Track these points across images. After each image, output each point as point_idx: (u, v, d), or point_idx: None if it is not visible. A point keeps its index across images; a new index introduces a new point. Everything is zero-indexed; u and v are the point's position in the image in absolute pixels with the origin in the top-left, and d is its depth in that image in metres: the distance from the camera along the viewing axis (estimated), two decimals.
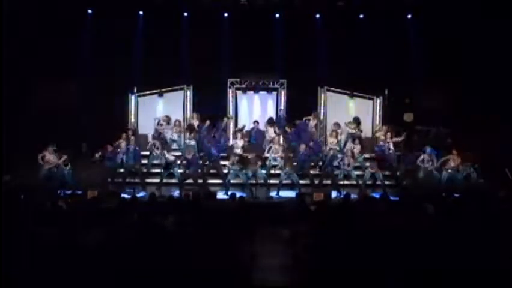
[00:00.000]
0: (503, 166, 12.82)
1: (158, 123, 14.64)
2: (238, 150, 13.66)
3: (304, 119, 14.74)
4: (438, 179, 12.89)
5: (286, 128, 14.37)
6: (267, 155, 13.51)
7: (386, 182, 13.15)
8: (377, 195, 11.18)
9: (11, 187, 10.93)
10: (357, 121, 14.76)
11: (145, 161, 13.63)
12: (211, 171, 13.52)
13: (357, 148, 13.61)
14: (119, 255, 5.58)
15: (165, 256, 5.54)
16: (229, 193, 10.68)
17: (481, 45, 14.55)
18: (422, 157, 13.13)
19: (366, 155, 13.78)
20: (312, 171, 13.49)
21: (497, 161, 12.83)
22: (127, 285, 5.31)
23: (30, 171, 12.42)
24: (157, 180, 13.10)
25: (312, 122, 14.76)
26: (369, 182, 13.07)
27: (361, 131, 14.68)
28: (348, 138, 14.25)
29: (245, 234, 6.41)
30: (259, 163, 12.84)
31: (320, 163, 13.69)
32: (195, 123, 14.53)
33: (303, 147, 13.24)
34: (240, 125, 15.10)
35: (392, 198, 9.54)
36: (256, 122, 14.92)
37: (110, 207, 8.12)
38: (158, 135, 14.27)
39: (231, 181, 12.86)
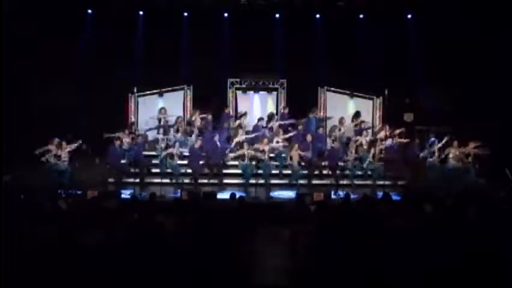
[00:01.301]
0: (503, 166, 12.81)
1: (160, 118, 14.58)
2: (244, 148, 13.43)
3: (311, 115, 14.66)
4: (439, 174, 12.81)
5: (290, 128, 14.26)
6: (272, 154, 13.51)
7: (387, 182, 13.14)
8: (378, 195, 11.20)
9: (11, 187, 10.92)
10: (358, 115, 14.74)
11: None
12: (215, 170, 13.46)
13: (364, 140, 13.50)
14: (119, 255, 5.58)
15: (165, 256, 5.54)
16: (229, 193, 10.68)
17: (481, 45, 14.56)
18: (426, 151, 13.07)
19: (370, 159, 13.46)
20: (315, 172, 13.50)
21: (497, 161, 12.83)
22: (127, 286, 5.31)
23: (30, 171, 12.41)
24: (157, 180, 13.09)
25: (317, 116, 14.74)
26: (369, 182, 13.04)
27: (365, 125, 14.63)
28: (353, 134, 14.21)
29: (245, 234, 6.41)
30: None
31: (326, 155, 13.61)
32: (197, 120, 14.45)
33: (309, 137, 13.24)
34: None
35: (394, 197, 9.54)
36: (261, 118, 14.72)
37: (110, 207, 8.12)
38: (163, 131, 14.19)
39: (231, 181, 12.86)
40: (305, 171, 13.23)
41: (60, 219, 7.16)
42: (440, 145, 13.00)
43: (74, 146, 12.49)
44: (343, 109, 15.50)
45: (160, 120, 14.59)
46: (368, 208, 8.07)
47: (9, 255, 5.36)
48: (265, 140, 13.00)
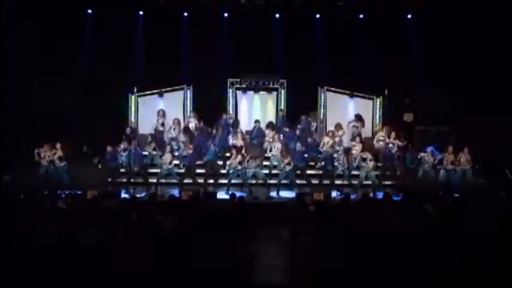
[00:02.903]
0: (503, 166, 12.81)
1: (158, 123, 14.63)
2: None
3: (304, 117, 14.68)
4: (435, 178, 12.84)
5: (285, 129, 14.34)
6: (268, 154, 13.53)
7: (387, 182, 13.13)
8: (379, 195, 11.21)
9: (11, 187, 10.93)
10: (359, 117, 14.76)
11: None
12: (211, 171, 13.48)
13: (358, 146, 13.55)
14: (119, 255, 5.58)
15: (165, 256, 5.54)
16: (229, 193, 10.68)
17: (481, 45, 14.56)
18: (421, 155, 13.09)
19: (363, 155, 13.53)
20: (311, 171, 13.49)
21: (497, 161, 12.82)
22: (127, 285, 5.31)
23: (30, 171, 12.42)
24: (156, 180, 13.09)
25: (313, 122, 14.79)
26: (366, 182, 13.03)
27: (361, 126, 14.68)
28: (353, 136, 14.22)
29: (245, 234, 6.40)
30: (259, 161, 12.87)
31: (319, 163, 13.66)
32: (193, 123, 14.49)
33: (299, 145, 13.25)
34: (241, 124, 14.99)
35: (394, 197, 9.55)
36: (257, 121, 14.82)
37: (110, 207, 8.12)
38: (156, 137, 14.22)
39: (231, 181, 12.87)
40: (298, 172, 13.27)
41: (60, 219, 7.16)
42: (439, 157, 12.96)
43: (58, 153, 12.49)
44: (343, 109, 15.49)
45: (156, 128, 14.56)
46: (368, 208, 8.07)
47: (9, 255, 5.36)
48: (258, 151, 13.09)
